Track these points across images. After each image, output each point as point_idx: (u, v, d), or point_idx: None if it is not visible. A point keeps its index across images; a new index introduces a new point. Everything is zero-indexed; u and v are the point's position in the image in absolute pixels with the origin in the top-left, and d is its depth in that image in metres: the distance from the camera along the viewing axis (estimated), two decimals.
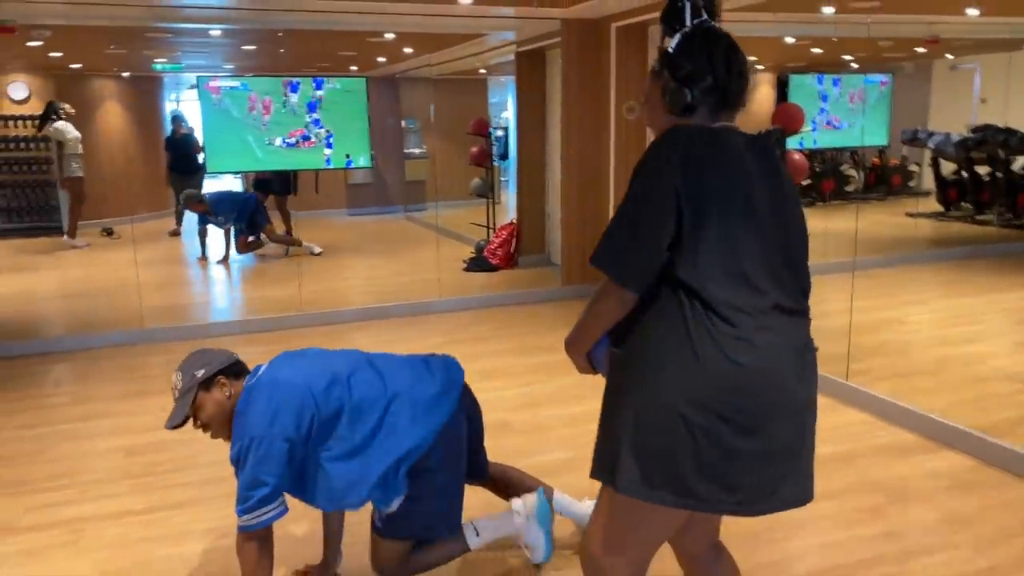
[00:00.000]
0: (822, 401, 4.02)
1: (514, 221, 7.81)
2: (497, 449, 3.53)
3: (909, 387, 4.13)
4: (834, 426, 3.81)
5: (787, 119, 4.68)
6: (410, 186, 12.17)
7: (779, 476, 1.61)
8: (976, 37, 7.65)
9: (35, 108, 9.48)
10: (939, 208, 8.50)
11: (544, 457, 3.51)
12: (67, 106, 8.98)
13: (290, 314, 5.90)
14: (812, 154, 10.40)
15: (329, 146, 5.63)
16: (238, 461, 2.19)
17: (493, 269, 7.54)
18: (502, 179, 10.05)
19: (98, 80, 10.84)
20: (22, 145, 9.99)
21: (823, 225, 8.47)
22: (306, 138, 5.52)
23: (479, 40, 7.46)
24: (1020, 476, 3.22)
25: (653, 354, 1.61)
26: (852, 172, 10.77)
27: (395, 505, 2.33)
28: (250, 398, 2.24)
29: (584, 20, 6.14)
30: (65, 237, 9.00)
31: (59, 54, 8.09)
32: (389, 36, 6.74)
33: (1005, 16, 6.44)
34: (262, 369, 2.36)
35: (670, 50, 1.70)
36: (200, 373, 2.30)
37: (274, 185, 8.66)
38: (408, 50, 8.22)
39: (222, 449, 3.63)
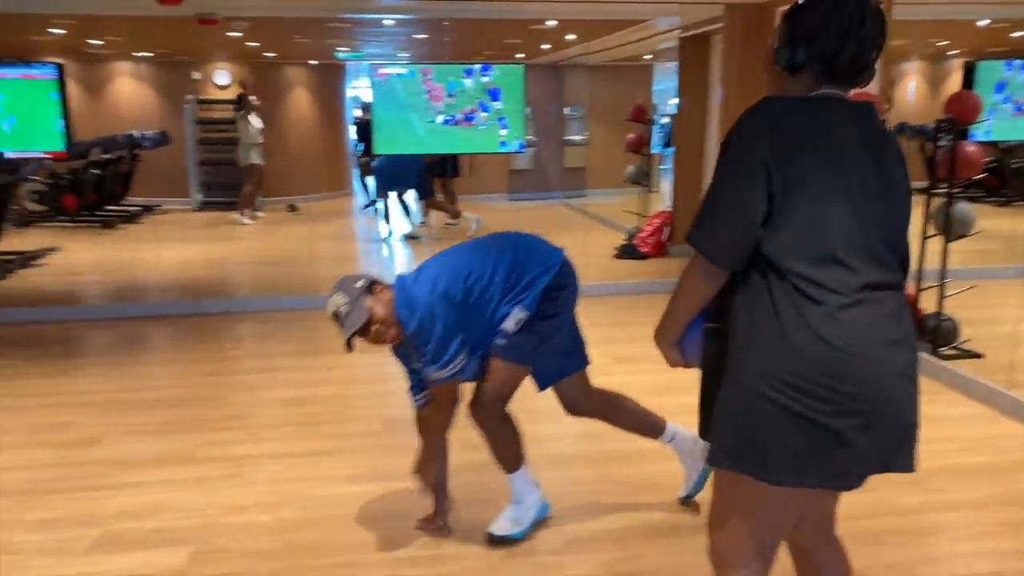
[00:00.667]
0: (980, 410, 3.80)
1: (667, 210, 7.76)
2: (624, 433, 3.62)
3: None
4: (990, 436, 3.57)
5: (960, 108, 4.38)
6: (568, 173, 12.33)
7: (888, 451, 1.59)
8: None
9: (235, 93, 10.50)
10: None
11: None
12: (254, 98, 9.84)
13: None
14: (1008, 149, 9.52)
15: (491, 129, 5.85)
16: (420, 331, 2.45)
17: (642, 257, 7.54)
18: (661, 167, 9.97)
19: (289, 68, 11.79)
20: (222, 128, 11.07)
21: (1014, 226, 7.76)
22: (468, 119, 5.77)
23: (643, 26, 7.45)
24: None
25: (742, 331, 1.62)
26: None
27: (519, 316, 2.53)
28: (404, 286, 2.53)
29: (748, 4, 5.98)
30: (235, 214, 9.75)
31: (256, 44, 8.88)
32: (551, 23, 6.88)
33: None
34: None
35: (796, 4, 1.64)
36: (359, 284, 2.52)
37: (439, 168, 9.09)
38: (571, 37, 8.33)
39: (370, 406, 3.98)
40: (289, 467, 3.32)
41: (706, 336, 1.76)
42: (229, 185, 10.57)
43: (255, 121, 9.73)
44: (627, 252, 7.65)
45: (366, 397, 4.15)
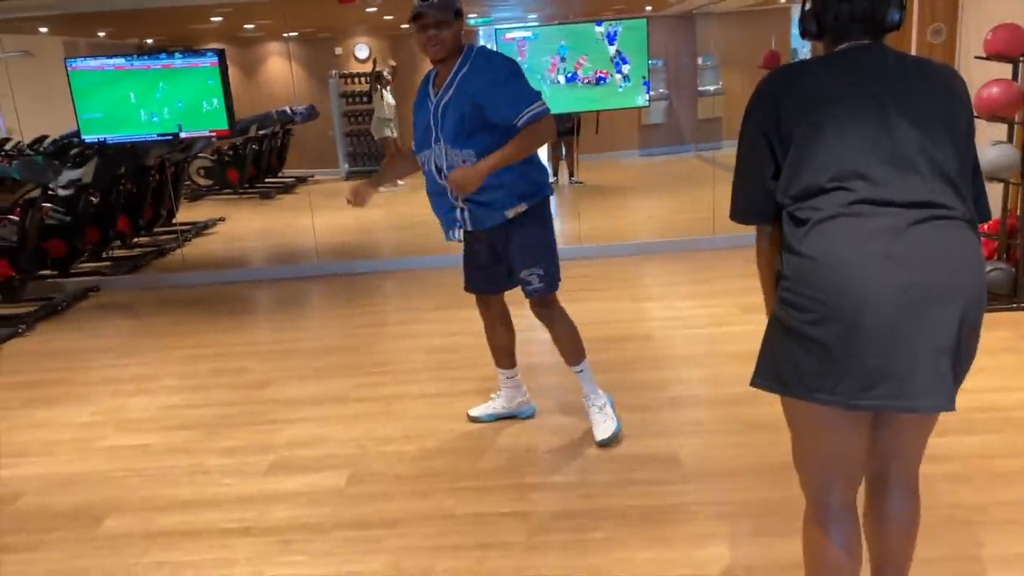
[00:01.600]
0: None
1: None
2: (744, 375, 3.71)
3: None
4: None
5: None
6: (702, 124, 12.09)
7: (876, 369, 1.56)
8: None
9: (371, 68, 11.05)
10: None
11: None
12: (388, 73, 10.28)
13: (570, 246, 6.44)
14: None
15: (620, 84, 5.94)
16: (513, 74, 2.80)
17: None
18: None
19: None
20: (364, 100, 11.66)
21: None
22: (600, 80, 5.88)
23: None
24: None
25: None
26: None
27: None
28: (479, 47, 2.90)
29: None
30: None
31: (390, 17, 9.29)
32: None
33: None
34: None
35: None
36: (459, 4, 2.82)
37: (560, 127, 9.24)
38: None
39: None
40: (430, 406, 3.68)
41: None
42: (373, 154, 11.18)
43: (388, 97, 10.21)
44: None
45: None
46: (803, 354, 1.64)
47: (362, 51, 12.02)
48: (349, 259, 6.67)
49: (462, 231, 3.06)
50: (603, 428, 3.17)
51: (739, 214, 1.86)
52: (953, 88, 1.72)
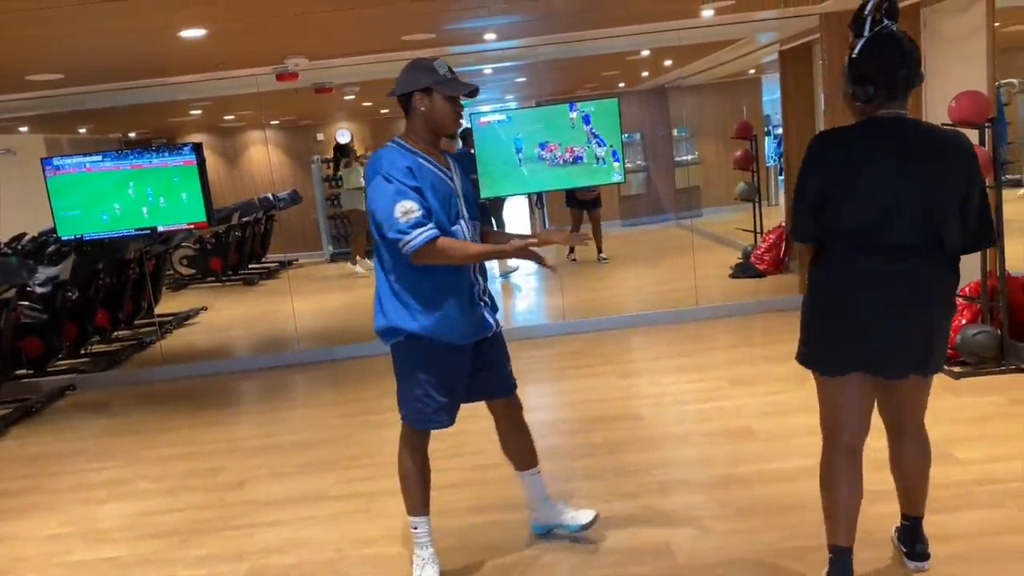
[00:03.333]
0: None
1: (782, 224, 7.60)
2: (735, 454, 3.63)
3: None
4: None
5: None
6: (680, 193, 12.24)
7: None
8: None
9: (359, 150, 11.21)
10: None
11: (780, 464, 3.51)
12: (354, 149, 10.34)
13: (555, 322, 6.39)
14: None
15: (595, 163, 5.99)
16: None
17: (760, 275, 7.41)
18: (780, 177, 9.75)
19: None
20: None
21: None
22: (577, 159, 5.93)
23: (739, 44, 7.41)
24: None
25: None
26: None
27: None
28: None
29: (845, 12, 5.85)
30: (348, 263, 10.12)
31: (369, 104, 9.45)
32: (644, 54, 6.99)
33: None
34: None
35: (853, 55, 2.23)
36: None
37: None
38: (668, 63, 8.38)
39: (485, 440, 4.16)
40: None
41: None
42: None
43: (359, 169, 10.24)
44: (743, 271, 7.55)
45: (483, 433, 4.30)
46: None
47: (343, 136, 12.19)
48: (333, 344, 6.58)
49: (493, 319, 2.88)
50: (585, 511, 3.05)
51: (796, 236, 2.40)
52: (958, 150, 2.23)
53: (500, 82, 8.89)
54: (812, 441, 3.70)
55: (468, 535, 3.19)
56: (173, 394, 5.78)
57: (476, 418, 4.54)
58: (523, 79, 8.57)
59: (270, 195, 10.86)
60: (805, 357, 2.48)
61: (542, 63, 7.03)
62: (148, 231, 5.99)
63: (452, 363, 2.78)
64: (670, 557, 2.86)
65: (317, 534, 3.32)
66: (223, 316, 8.60)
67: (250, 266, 10.83)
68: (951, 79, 5.18)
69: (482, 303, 2.81)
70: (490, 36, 5.31)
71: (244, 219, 10.40)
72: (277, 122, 11.45)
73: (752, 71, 10.64)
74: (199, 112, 8.84)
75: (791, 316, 6.03)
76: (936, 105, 5.35)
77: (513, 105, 11.17)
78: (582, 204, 9.03)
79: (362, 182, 10.25)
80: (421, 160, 2.62)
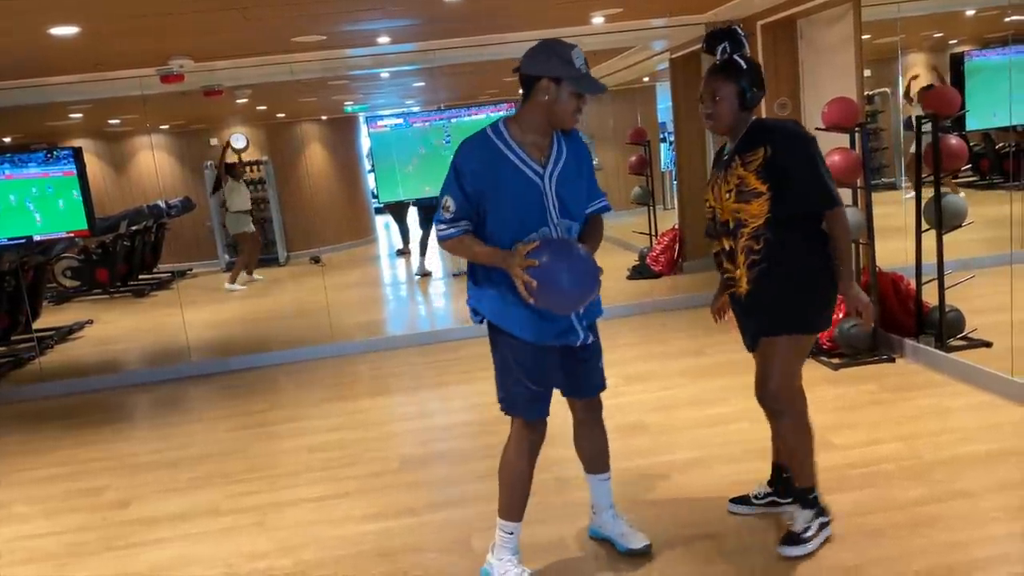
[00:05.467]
0: (985, 398, 3.82)
1: (676, 227, 7.85)
2: (627, 449, 3.72)
3: None
4: (991, 425, 3.59)
5: (938, 104, 4.44)
6: None
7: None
8: None
9: (252, 155, 10.89)
10: None
11: (670, 456, 3.62)
12: (237, 165, 9.78)
13: (454, 327, 6.39)
14: (1002, 133, 9.41)
15: None
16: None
17: (656, 276, 7.62)
18: (674, 182, 10.06)
19: (303, 125, 12.17)
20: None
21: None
22: None
23: (632, 52, 7.62)
24: None
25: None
26: None
27: None
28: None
29: (729, 21, 6.11)
30: (226, 284, 9.57)
31: (264, 107, 9.22)
32: None
33: None
34: None
35: (752, 69, 2.63)
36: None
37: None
38: None
39: (387, 447, 4.12)
40: (310, 511, 3.47)
41: None
42: (263, 242, 10.92)
43: (243, 188, 9.62)
44: (639, 272, 7.75)
45: (383, 438, 4.30)
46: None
47: (239, 141, 11.83)
48: (227, 355, 6.37)
49: (585, 332, 2.61)
50: (639, 536, 2.86)
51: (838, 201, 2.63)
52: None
53: (400, 86, 8.84)
54: (700, 434, 3.85)
55: (365, 542, 3.14)
56: (54, 412, 5.47)
57: (378, 424, 4.52)
58: (422, 83, 8.54)
59: (161, 202, 10.42)
60: (826, 322, 2.77)
61: (442, 68, 7.04)
62: (24, 240, 5.65)
63: (535, 356, 2.57)
64: (565, 551, 2.90)
65: (207, 550, 3.21)
66: (110, 329, 8.19)
67: (140, 277, 10.36)
68: (825, 87, 5.48)
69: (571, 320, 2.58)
70: (384, 39, 5.28)
71: (133, 228, 9.95)
72: (167, 126, 11.01)
73: (647, 79, 10.95)
74: (80, 116, 8.40)
75: (683, 315, 6.29)
76: (812, 111, 5.65)
77: (416, 110, 11.13)
78: None
79: (247, 204, 9.84)
80: (508, 153, 2.47)
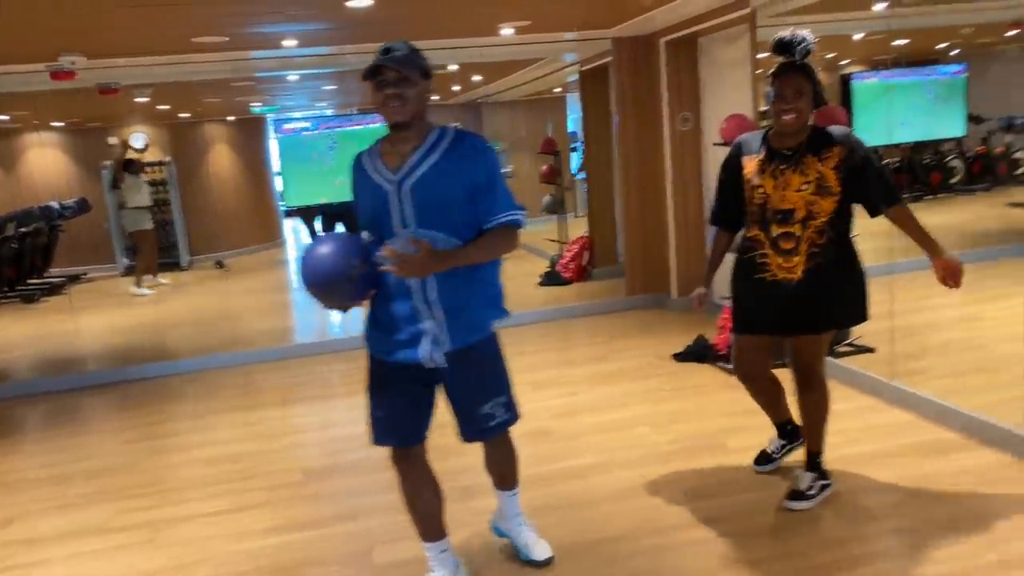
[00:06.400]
0: (865, 401, 4.04)
1: (585, 235, 8.00)
2: (532, 455, 3.77)
3: (961, 386, 4.06)
4: (871, 427, 3.80)
5: (828, 121, 4.68)
6: None
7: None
8: None
9: (153, 155, 10.50)
10: None
11: (573, 462, 3.69)
12: (137, 160, 9.50)
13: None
14: (915, 148, 10.04)
15: None
16: (499, 164, 2.48)
17: (566, 283, 7.75)
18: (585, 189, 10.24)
19: (208, 125, 11.81)
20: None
21: (924, 220, 8.17)
22: None
23: (542, 63, 7.73)
24: None
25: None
26: (957, 163, 10.29)
27: None
28: (462, 130, 2.47)
29: (633, 38, 6.29)
30: (132, 287, 9.23)
31: (166, 107, 8.92)
32: (453, 68, 7.11)
33: None
34: None
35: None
36: (425, 62, 2.39)
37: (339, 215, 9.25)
38: (477, 78, 8.58)
39: (290, 458, 4.05)
40: (206, 526, 3.37)
41: None
42: (164, 245, 10.52)
43: (142, 184, 9.33)
44: (550, 279, 7.86)
45: (286, 449, 4.22)
46: None
47: (138, 140, 11.38)
48: (127, 364, 6.11)
49: (434, 353, 2.43)
50: (542, 546, 2.88)
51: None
52: None
53: (309, 90, 8.69)
54: (604, 438, 3.94)
55: (264, 556, 3.08)
56: None
57: (282, 435, 4.42)
58: (333, 87, 8.43)
59: (54, 203, 9.91)
60: (860, 317, 3.02)
61: (353, 73, 6.96)
62: None
63: (377, 374, 2.52)
64: (466, 559, 2.92)
65: (96, 569, 3.08)
66: None
67: (29, 281, 9.82)
68: (725, 102, 5.71)
69: (414, 324, 2.42)
70: (290, 43, 5.19)
71: (22, 230, 9.42)
72: (61, 124, 10.49)
73: (558, 90, 11.12)
74: None
75: (590, 321, 6.41)
76: (711, 126, 5.87)
77: (329, 113, 10.97)
78: None
79: (148, 200, 9.45)
80: (365, 161, 2.46)
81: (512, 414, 2.61)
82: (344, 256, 2.31)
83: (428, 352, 2.42)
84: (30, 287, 9.69)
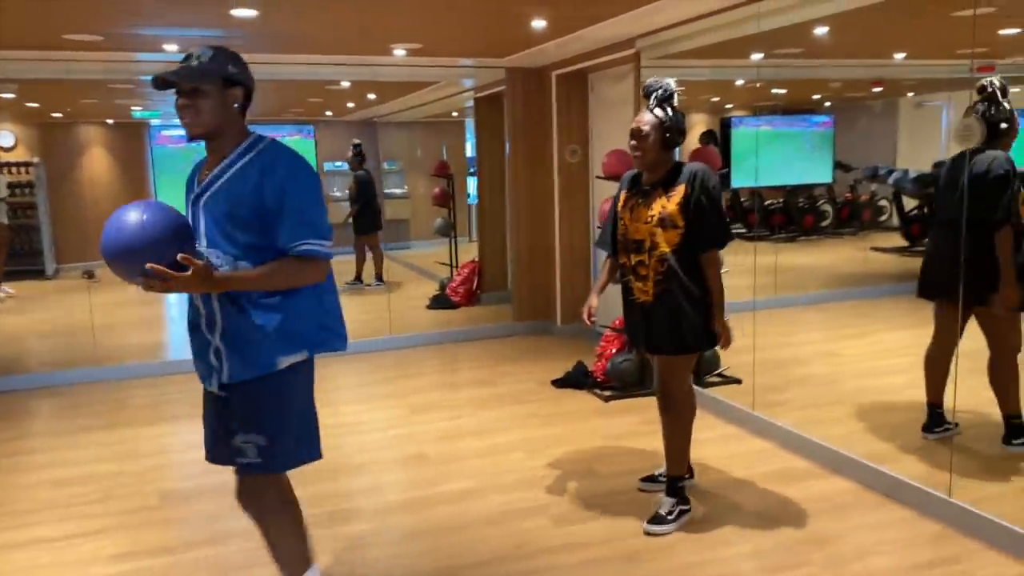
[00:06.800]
0: (729, 430, 4.21)
1: (475, 260, 8.03)
2: (407, 480, 3.73)
3: (816, 417, 4.29)
4: (733, 454, 3.96)
5: (704, 162, 4.90)
6: (391, 225, 12.43)
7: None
8: (923, 78, 7.89)
9: (21, 155, 9.87)
10: (904, 243, 8.66)
11: (447, 487, 3.67)
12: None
13: None
14: (792, 191, 10.65)
15: None
16: (308, 191, 2.21)
17: (454, 307, 7.74)
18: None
19: (84, 127, 11.20)
20: (17, 190, 10.32)
21: (795, 260, 8.64)
22: None
23: (438, 86, 7.76)
24: (894, 499, 3.37)
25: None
26: (827, 207, 10.95)
27: None
28: (276, 143, 2.27)
29: (526, 68, 6.42)
30: None
31: (35, 105, 8.41)
32: (345, 84, 7.04)
33: (936, 59, 6.68)
34: None
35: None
36: (232, 69, 2.22)
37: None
38: (372, 96, 8.53)
39: (147, 480, 3.83)
40: (47, 552, 3.14)
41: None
42: (27, 252, 9.86)
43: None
44: (439, 302, 7.83)
45: (146, 471, 4.00)
46: None
47: (6, 139, 10.69)
48: None
49: (215, 380, 2.30)
50: None
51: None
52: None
53: None
54: (480, 463, 3.94)
55: None
56: None
57: (143, 456, 4.18)
58: None
59: None
60: (709, 342, 3.20)
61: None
62: None
63: (205, 393, 2.46)
64: None
65: None
66: None
67: None
68: (611, 137, 5.89)
69: (207, 347, 2.29)
70: (171, 47, 5.00)
71: None
72: None
73: (455, 114, 11.19)
74: None
75: (477, 345, 6.43)
76: (598, 160, 6.04)
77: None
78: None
79: (3, 192, 8.87)
80: (195, 171, 2.36)
81: (265, 462, 2.28)
82: (164, 232, 2.03)
83: (211, 378, 2.33)
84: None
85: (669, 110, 3.07)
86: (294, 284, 2.23)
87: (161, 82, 2.17)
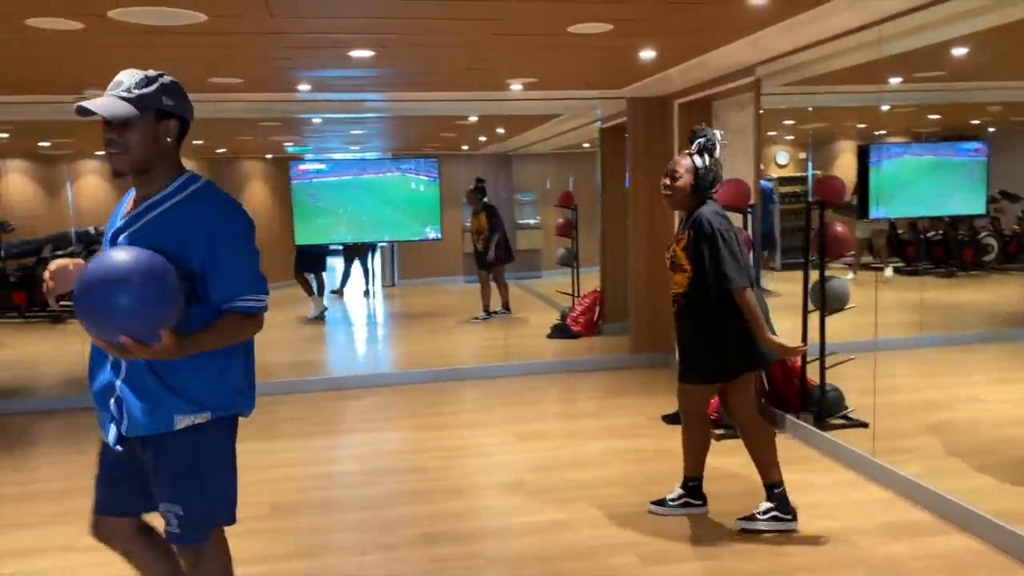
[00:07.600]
0: (848, 476, 3.94)
1: (597, 290, 8.01)
2: (501, 507, 3.76)
3: (945, 467, 3.95)
4: (848, 503, 3.71)
5: (826, 191, 4.68)
6: (523, 255, 12.64)
7: None
8: None
9: None
10: None
11: (539, 517, 3.66)
12: None
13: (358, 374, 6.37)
14: (951, 223, 9.89)
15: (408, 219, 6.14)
16: (244, 238, 2.09)
17: (574, 336, 7.74)
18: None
19: (246, 162, 12.20)
20: None
21: (951, 297, 7.99)
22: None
23: (564, 118, 7.87)
24: None
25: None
26: (991, 241, 10.11)
27: None
28: (209, 186, 2.11)
29: (647, 98, 6.39)
30: None
31: (200, 142, 9.24)
32: (473, 119, 7.29)
33: None
34: None
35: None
36: (167, 101, 2.03)
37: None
38: (501, 131, 8.77)
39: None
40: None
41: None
42: None
43: None
44: (559, 332, 7.85)
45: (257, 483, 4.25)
46: None
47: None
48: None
49: (114, 432, 2.10)
50: None
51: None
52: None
53: (340, 133, 8.97)
54: (573, 494, 3.91)
55: None
56: None
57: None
58: (360, 131, 8.69)
59: (90, 228, 10.27)
60: (719, 375, 3.41)
61: (376, 120, 7.17)
62: None
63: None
64: None
65: None
66: (29, 352, 7.98)
67: (62, 303, 10.13)
68: (734, 166, 5.74)
69: (110, 391, 2.10)
70: (304, 87, 5.40)
71: (58, 253, 9.77)
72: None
73: (587, 145, 11.28)
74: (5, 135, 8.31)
75: (592, 376, 6.38)
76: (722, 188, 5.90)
77: (354, 155, 11.28)
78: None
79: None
80: (123, 202, 2.19)
81: (188, 533, 2.10)
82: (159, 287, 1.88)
83: (108, 434, 2.12)
84: (64, 308, 9.99)
85: (708, 159, 3.21)
86: (238, 340, 2.10)
87: (85, 111, 1.96)
